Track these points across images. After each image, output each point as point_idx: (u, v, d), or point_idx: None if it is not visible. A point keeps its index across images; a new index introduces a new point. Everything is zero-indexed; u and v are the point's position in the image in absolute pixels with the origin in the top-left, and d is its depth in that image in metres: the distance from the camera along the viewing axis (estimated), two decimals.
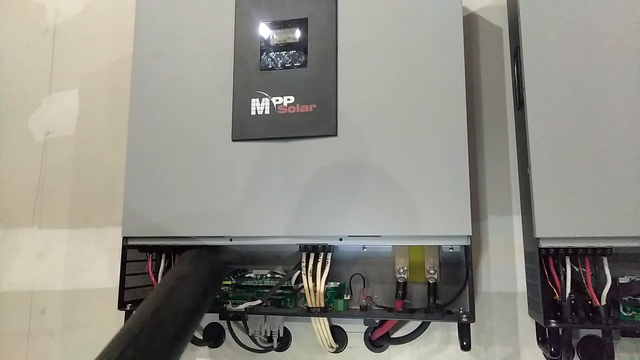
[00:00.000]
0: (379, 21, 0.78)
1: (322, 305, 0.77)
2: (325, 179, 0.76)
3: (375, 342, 0.85)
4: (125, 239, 0.84)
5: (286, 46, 0.81)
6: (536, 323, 0.79)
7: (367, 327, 0.84)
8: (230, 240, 0.79)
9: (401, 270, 0.81)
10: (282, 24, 0.82)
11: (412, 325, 0.83)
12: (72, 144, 1.11)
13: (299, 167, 0.77)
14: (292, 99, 0.79)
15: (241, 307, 0.80)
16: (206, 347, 0.94)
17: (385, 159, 0.74)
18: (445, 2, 0.76)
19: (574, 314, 0.69)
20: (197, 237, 0.80)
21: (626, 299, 0.71)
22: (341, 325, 0.88)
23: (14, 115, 1.17)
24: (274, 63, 0.81)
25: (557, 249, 0.68)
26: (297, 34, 0.81)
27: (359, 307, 0.82)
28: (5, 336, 1.08)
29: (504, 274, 0.84)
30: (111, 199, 1.05)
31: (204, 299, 0.70)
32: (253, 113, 0.80)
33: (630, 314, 0.71)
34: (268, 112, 0.79)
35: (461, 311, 0.75)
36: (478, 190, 0.87)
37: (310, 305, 0.77)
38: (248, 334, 0.86)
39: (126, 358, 0.53)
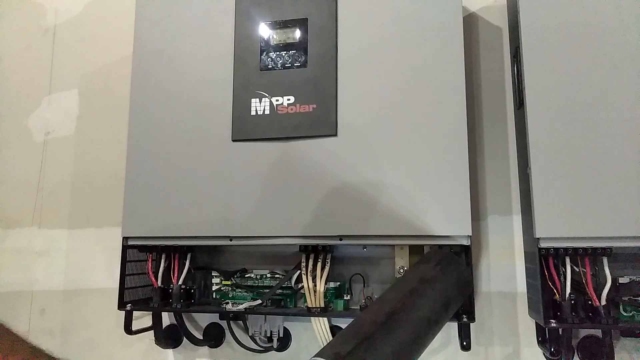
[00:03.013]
0: (379, 21, 0.78)
1: (322, 305, 0.77)
2: (325, 179, 0.76)
3: None
4: (125, 239, 0.84)
5: (286, 46, 0.81)
6: (536, 323, 0.79)
7: None
8: (230, 240, 0.79)
9: (401, 270, 0.80)
10: (282, 24, 0.82)
11: None
12: (72, 144, 1.11)
13: (299, 167, 0.77)
14: (292, 99, 0.79)
15: (241, 307, 0.80)
16: (206, 347, 0.94)
17: (385, 159, 0.74)
18: (445, 2, 0.76)
19: (574, 314, 0.69)
20: (197, 237, 0.80)
21: (626, 299, 0.71)
22: (341, 325, 0.88)
23: (14, 115, 1.17)
24: (274, 63, 0.81)
25: (557, 249, 0.68)
26: (297, 34, 0.81)
27: (359, 307, 0.82)
28: None
29: (504, 274, 0.84)
30: (111, 199, 1.05)
31: (445, 311, 0.62)
32: (253, 113, 0.80)
33: (630, 314, 0.71)
34: (268, 112, 0.79)
35: (461, 311, 0.75)
36: (478, 190, 0.87)
37: (310, 305, 0.77)
38: (248, 334, 0.86)
39: (356, 356, 0.50)
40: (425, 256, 0.72)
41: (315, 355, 0.49)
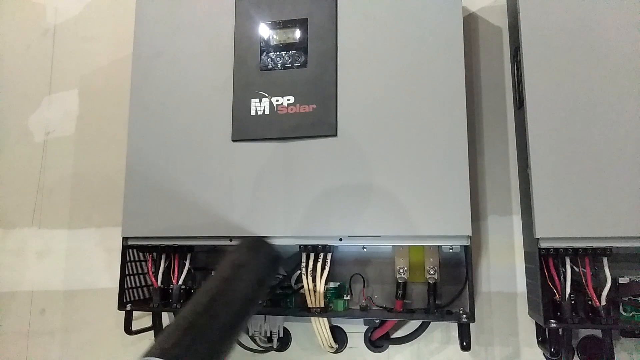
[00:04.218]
0: (379, 21, 0.78)
1: (322, 305, 0.77)
2: (325, 179, 0.76)
3: (375, 342, 0.85)
4: (125, 239, 0.84)
5: (286, 46, 0.81)
6: (536, 323, 0.79)
7: (367, 327, 0.84)
8: (230, 240, 0.79)
9: (401, 271, 0.80)
10: (282, 24, 0.82)
11: (412, 325, 0.83)
12: (72, 144, 1.11)
13: (299, 167, 0.77)
14: (292, 99, 0.79)
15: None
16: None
17: (385, 159, 0.74)
18: (445, 2, 0.76)
19: (574, 314, 0.69)
20: (197, 237, 0.80)
21: (626, 299, 0.71)
22: (341, 326, 0.88)
23: (14, 115, 1.17)
24: (274, 63, 0.81)
25: (557, 249, 0.68)
26: (297, 34, 0.81)
27: (359, 307, 0.82)
28: (5, 336, 1.08)
29: (504, 274, 0.84)
30: (111, 199, 1.05)
31: (260, 288, 0.69)
32: (253, 113, 0.80)
33: (630, 314, 0.71)
34: (268, 112, 0.79)
35: (461, 311, 0.75)
36: (478, 190, 0.87)
37: (310, 305, 0.77)
38: (248, 334, 0.86)
39: (182, 346, 0.52)
40: (235, 246, 0.76)
41: (144, 356, 0.50)
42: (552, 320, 0.68)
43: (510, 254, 0.84)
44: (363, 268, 0.86)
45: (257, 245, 0.74)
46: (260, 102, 0.80)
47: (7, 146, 1.17)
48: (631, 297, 0.70)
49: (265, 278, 0.72)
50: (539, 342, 0.79)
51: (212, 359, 0.54)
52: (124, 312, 0.84)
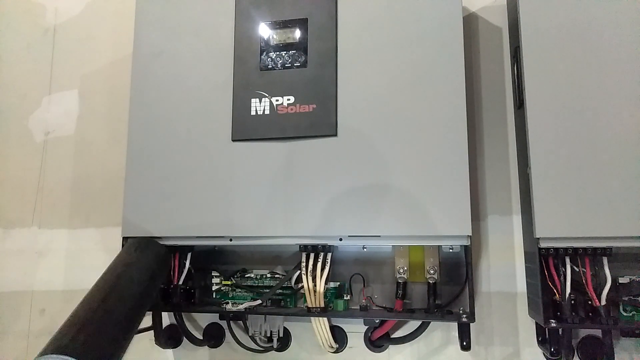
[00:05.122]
0: (378, 21, 0.78)
1: (322, 305, 0.77)
2: (325, 179, 0.76)
3: (375, 342, 0.85)
4: (125, 239, 0.84)
5: (286, 46, 0.81)
6: (536, 323, 0.79)
7: (367, 327, 0.84)
8: (230, 240, 0.79)
9: (401, 270, 0.80)
10: (282, 24, 0.82)
11: (412, 325, 0.83)
12: (72, 144, 1.11)
13: (299, 167, 0.77)
14: (292, 99, 0.79)
15: (241, 307, 0.80)
16: (206, 347, 0.94)
17: (385, 159, 0.74)
18: (445, 2, 0.76)
19: (574, 314, 0.69)
20: (197, 237, 0.80)
21: (626, 299, 0.71)
22: (341, 325, 0.88)
23: (14, 115, 1.17)
24: (274, 63, 0.81)
25: (557, 249, 0.68)
26: (297, 34, 0.81)
27: (359, 307, 0.82)
28: (5, 336, 1.08)
29: (504, 274, 0.84)
30: (111, 199, 1.05)
31: (152, 283, 0.73)
32: (253, 113, 0.80)
33: (630, 314, 0.71)
34: (268, 112, 0.79)
35: (461, 311, 0.75)
36: (478, 190, 0.87)
37: (310, 305, 0.77)
38: (248, 334, 0.86)
39: (77, 342, 0.53)
40: (125, 247, 0.79)
41: (39, 355, 0.50)
42: (552, 320, 0.68)
43: (510, 254, 0.84)
44: (363, 268, 0.86)
45: (145, 244, 0.78)
46: (260, 102, 0.80)
47: (7, 146, 1.17)
48: (631, 297, 0.70)
49: (157, 273, 0.75)
50: (539, 342, 0.79)
51: (109, 353, 0.55)
52: None
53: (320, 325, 0.81)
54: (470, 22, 0.92)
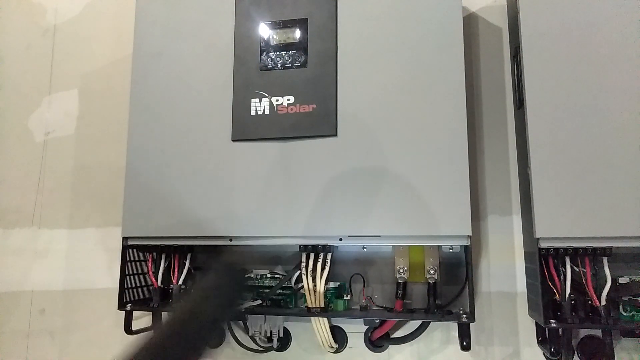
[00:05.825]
0: (379, 21, 0.78)
1: (322, 305, 0.77)
2: (325, 179, 0.76)
3: (375, 342, 0.85)
4: (125, 239, 0.84)
5: (286, 46, 0.81)
6: (536, 323, 0.79)
7: (367, 327, 0.84)
8: (230, 240, 0.79)
9: (401, 270, 0.80)
10: (282, 24, 0.82)
11: (412, 325, 0.83)
12: (72, 144, 1.11)
13: (299, 167, 0.77)
14: (292, 99, 0.79)
15: (241, 307, 0.80)
16: (206, 347, 0.94)
17: (385, 159, 0.74)
18: (445, 2, 0.76)
19: (574, 314, 0.69)
20: (197, 237, 0.80)
21: (626, 299, 0.71)
22: (341, 325, 0.88)
23: (14, 115, 1.17)
24: (274, 63, 0.81)
25: (557, 249, 0.68)
26: (297, 34, 0.81)
27: (359, 307, 0.82)
28: (5, 336, 1.08)
29: (504, 274, 0.84)
30: (111, 199, 1.05)
31: (229, 307, 0.71)
32: (253, 113, 0.80)
33: (630, 314, 0.71)
34: (268, 112, 0.79)
35: (461, 311, 0.75)
36: (478, 190, 0.87)
37: (310, 305, 0.77)
38: (248, 334, 0.86)
39: None
40: (206, 271, 0.80)
41: None
42: (552, 320, 0.68)
43: (510, 254, 0.84)
44: (363, 268, 0.86)
45: (224, 268, 0.77)
46: (260, 102, 0.80)
47: (7, 146, 1.17)
48: (631, 297, 0.70)
49: (234, 299, 0.74)
50: (539, 342, 0.79)
51: None
52: (124, 312, 0.84)
53: (320, 325, 0.81)
54: (470, 22, 0.92)
